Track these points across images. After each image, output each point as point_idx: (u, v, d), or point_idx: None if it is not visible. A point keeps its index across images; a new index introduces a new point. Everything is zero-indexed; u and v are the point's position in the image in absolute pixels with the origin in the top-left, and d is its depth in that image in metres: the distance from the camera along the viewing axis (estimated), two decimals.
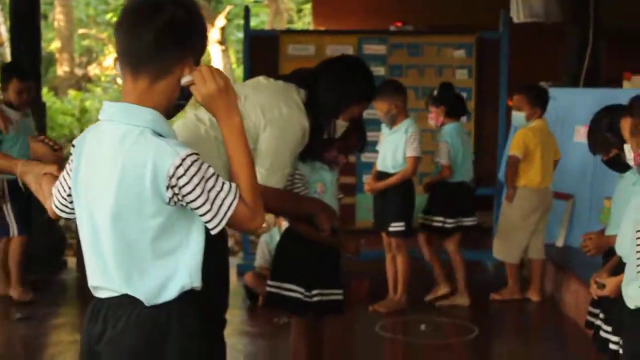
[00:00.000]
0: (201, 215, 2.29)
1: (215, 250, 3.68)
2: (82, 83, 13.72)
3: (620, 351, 3.41)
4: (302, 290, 4.15)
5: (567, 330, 6.04)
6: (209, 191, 2.27)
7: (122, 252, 2.31)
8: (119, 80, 13.21)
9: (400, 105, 6.42)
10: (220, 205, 2.28)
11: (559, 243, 7.69)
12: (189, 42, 2.35)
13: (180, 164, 2.23)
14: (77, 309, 6.98)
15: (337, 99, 3.89)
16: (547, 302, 6.93)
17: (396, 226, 6.47)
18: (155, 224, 2.30)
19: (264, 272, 6.36)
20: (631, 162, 3.43)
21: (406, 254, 6.58)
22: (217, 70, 2.39)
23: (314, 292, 4.16)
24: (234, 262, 7.85)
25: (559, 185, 7.74)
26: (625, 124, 3.46)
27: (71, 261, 8.23)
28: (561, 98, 7.78)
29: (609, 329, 3.76)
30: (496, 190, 8.27)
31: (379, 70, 8.25)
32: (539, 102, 6.85)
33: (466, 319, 6.39)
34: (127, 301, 2.33)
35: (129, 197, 2.27)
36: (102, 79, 13.23)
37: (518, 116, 6.84)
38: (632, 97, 3.13)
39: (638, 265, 2.77)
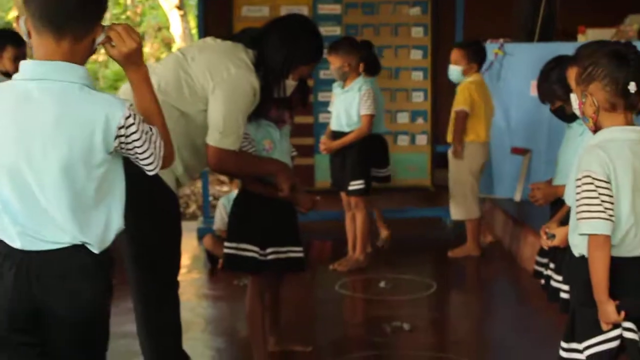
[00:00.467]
0: (144, 159, 2.56)
1: (166, 211, 3.73)
2: None
3: None
4: (256, 249, 4.18)
5: (524, 282, 6.12)
6: (147, 135, 2.54)
7: (73, 203, 2.47)
8: None
9: (353, 64, 6.42)
10: (156, 146, 2.57)
11: (517, 198, 7.78)
12: (105, 3, 2.55)
13: (129, 115, 2.48)
14: None
15: (285, 58, 3.90)
16: (505, 256, 7.03)
17: (355, 184, 6.51)
18: (99, 173, 2.50)
19: (222, 235, 6.38)
20: (577, 112, 3.48)
21: (366, 213, 6.63)
22: (131, 27, 2.60)
23: (269, 250, 4.20)
24: (194, 226, 7.89)
25: (516, 140, 7.85)
26: (572, 74, 3.49)
27: None
28: (517, 53, 7.84)
29: (560, 278, 3.85)
30: None
31: (334, 30, 8.28)
32: (476, 57, 6.90)
33: (425, 275, 6.46)
34: (73, 251, 2.50)
35: (79, 150, 2.45)
36: None
37: (455, 70, 6.89)
38: (578, 47, 3.16)
39: (578, 213, 2.82)
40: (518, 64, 7.81)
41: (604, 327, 2.87)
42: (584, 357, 2.92)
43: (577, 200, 2.86)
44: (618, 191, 2.82)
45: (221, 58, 3.75)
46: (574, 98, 3.45)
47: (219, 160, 3.78)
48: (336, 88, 6.64)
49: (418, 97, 8.42)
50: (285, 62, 3.90)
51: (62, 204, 2.45)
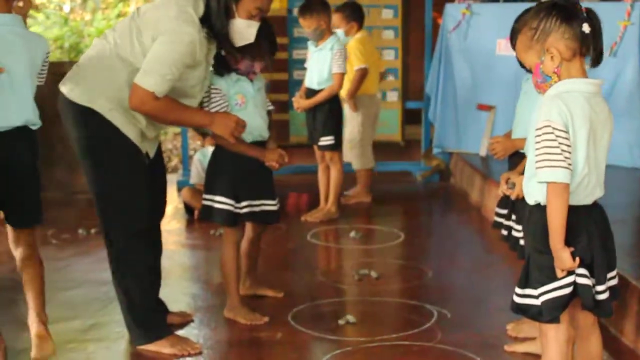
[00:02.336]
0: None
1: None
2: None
3: None
4: (231, 202, 4.42)
5: (489, 232, 6.32)
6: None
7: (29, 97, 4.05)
8: (65, 7, 13.19)
9: (326, 23, 6.65)
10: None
11: (482, 152, 8.04)
12: None
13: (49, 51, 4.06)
14: None
15: None
16: (473, 209, 7.30)
17: (325, 140, 6.77)
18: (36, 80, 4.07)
19: (200, 188, 6.62)
20: (535, 81, 3.73)
21: (339, 166, 6.90)
22: None
23: (243, 203, 4.45)
24: (175, 179, 8.12)
25: (482, 97, 8.10)
26: (520, 44, 3.64)
27: None
28: (484, 13, 8.07)
29: (520, 228, 3.99)
30: (425, 104, 8.57)
31: None
32: (354, 17, 7.27)
33: (394, 225, 6.73)
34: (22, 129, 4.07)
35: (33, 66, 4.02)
36: (47, 6, 13.20)
37: (339, 33, 7.16)
38: (516, 17, 3.28)
39: (538, 162, 2.88)
40: (484, 23, 8.04)
41: (559, 273, 2.93)
42: (539, 303, 3.00)
43: (537, 149, 2.90)
44: (575, 141, 2.87)
45: (168, 10, 3.84)
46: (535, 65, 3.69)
47: (136, 98, 3.80)
48: (311, 46, 6.87)
49: (389, 55, 8.65)
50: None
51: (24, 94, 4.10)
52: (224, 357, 4.12)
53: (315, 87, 6.77)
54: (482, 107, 8.07)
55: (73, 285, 5.26)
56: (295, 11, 7.40)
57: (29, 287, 4.18)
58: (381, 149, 8.86)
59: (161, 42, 3.77)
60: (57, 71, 8.09)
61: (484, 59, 8.02)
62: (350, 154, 7.45)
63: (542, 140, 2.87)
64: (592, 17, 2.89)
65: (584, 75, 2.94)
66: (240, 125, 4.15)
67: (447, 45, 8.23)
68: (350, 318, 4.52)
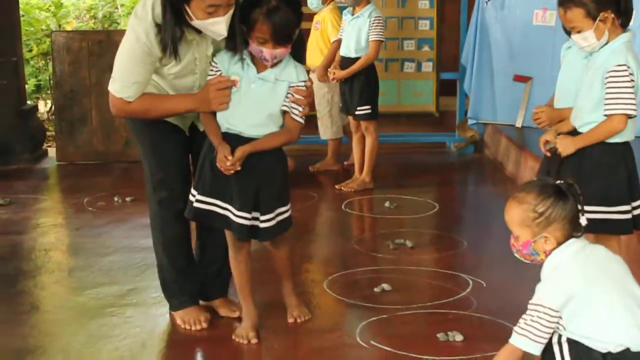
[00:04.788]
0: None
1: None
2: None
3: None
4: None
5: None
6: None
7: None
8: None
9: None
10: None
11: (518, 124, 7.98)
12: None
13: None
14: (58, 195, 7.31)
15: None
16: (507, 181, 7.27)
17: (362, 109, 6.76)
18: None
19: None
20: (584, 48, 3.79)
21: (375, 136, 6.88)
22: None
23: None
24: None
25: (518, 68, 8.02)
26: (575, 15, 3.76)
27: (51, 151, 8.50)
28: None
29: None
30: (460, 75, 8.53)
31: None
32: None
33: (429, 196, 6.72)
34: None
35: None
36: None
37: (314, 0, 7.25)
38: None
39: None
40: None
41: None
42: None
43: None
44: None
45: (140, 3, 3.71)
46: (579, 37, 3.72)
47: (112, 106, 3.76)
48: (346, 15, 6.87)
49: (424, 26, 8.58)
50: None
51: None
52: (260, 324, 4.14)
53: (352, 55, 6.75)
54: (519, 79, 8.00)
55: (110, 251, 5.31)
56: None
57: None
58: (415, 119, 8.87)
59: (122, 42, 3.71)
60: (91, 38, 8.18)
61: (521, 29, 7.94)
62: (319, 123, 7.51)
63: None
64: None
65: None
66: (221, 85, 3.69)
67: (483, 15, 8.15)
68: (386, 286, 4.53)
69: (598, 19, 3.70)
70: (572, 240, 2.88)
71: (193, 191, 3.81)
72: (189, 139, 4.01)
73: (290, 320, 4.09)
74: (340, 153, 7.64)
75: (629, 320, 2.81)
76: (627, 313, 2.81)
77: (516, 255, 3.00)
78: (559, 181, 2.89)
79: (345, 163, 7.65)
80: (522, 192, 2.94)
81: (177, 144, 3.97)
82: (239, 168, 3.65)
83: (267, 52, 3.61)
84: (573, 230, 2.88)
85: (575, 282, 2.82)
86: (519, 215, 2.92)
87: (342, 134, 7.59)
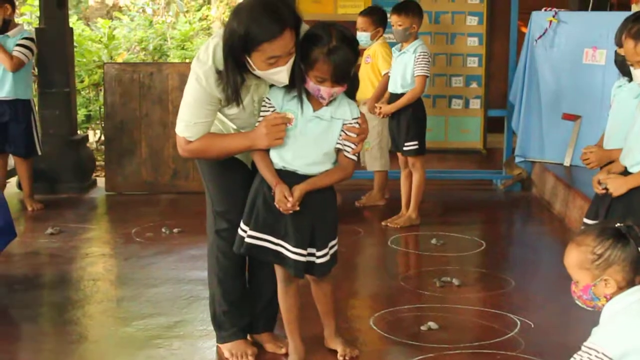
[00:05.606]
0: None
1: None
2: (111, 12, 14.03)
3: None
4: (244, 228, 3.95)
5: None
6: None
7: None
8: (148, 9, 13.45)
9: (417, 26, 6.74)
10: None
11: (567, 162, 7.93)
12: None
13: None
14: (106, 224, 7.38)
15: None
16: (554, 218, 7.22)
17: (410, 145, 6.76)
18: None
19: None
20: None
21: (422, 172, 6.88)
22: None
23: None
24: None
25: (567, 106, 7.99)
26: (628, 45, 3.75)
27: (100, 181, 8.60)
28: (571, 22, 7.96)
29: None
30: (507, 112, 8.51)
31: None
32: (380, 23, 7.31)
33: (475, 234, 6.69)
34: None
35: None
36: (131, 8, 13.50)
37: (363, 36, 7.23)
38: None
39: None
40: (572, 32, 7.92)
41: None
42: None
43: None
44: None
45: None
46: (636, 74, 3.70)
47: (177, 145, 3.85)
48: (395, 51, 6.91)
49: (473, 63, 8.57)
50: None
51: None
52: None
53: (399, 90, 6.78)
54: (568, 117, 7.96)
55: (157, 282, 5.33)
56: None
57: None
58: (462, 156, 8.84)
59: (187, 84, 3.78)
60: (142, 70, 8.28)
61: (570, 67, 7.91)
62: (367, 155, 7.52)
63: None
64: None
65: None
66: (279, 120, 3.67)
67: (532, 53, 8.13)
68: (432, 325, 4.50)
69: None
70: (637, 287, 2.85)
71: (243, 226, 3.81)
72: (252, 173, 4.03)
73: (340, 358, 4.06)
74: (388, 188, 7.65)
75: None
76: None
77: (577, 302, 2.97)
78: (619, 224, 2.86)
79: (357, 204, 7.64)
80: (582, 235, 2.93)
81: (239, 177, 4.00)
82: (297, 208, 3.65)
83: (324, 90, 3.61)
84: (635, 274, 2.84)
85: (635, 335, 2.77)
86: (577, 258, 2.89)
87: (389, 167, 7.61)
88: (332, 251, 3.85)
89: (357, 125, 3.75)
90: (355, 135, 3.75)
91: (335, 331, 4.13)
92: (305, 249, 3.74)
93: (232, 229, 3.94)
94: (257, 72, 3.60)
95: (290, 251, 3.73)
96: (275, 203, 3.67)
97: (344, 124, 3.73)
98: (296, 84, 3.66)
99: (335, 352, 4.11)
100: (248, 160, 3.98)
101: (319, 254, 3.78)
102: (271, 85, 3.77)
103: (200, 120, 3.72)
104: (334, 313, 4.14)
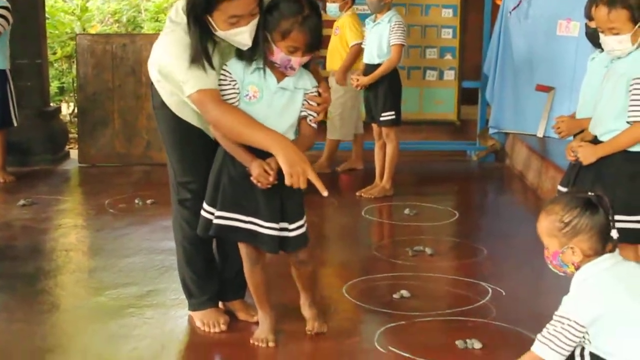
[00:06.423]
0: None
1: None
2: None
3: None
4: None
5: None
6: None
7: None
8: None
9: None
10: None
11: (540, 134, 7.97)
12: None
13: None
14: (79, 196, 7.37)
15: None
16: (528, 190, 7.26)
17: (386, 116, 6.77)
18: None
19: None
20: (609, 53, 3.77)
21: (396, 143, 6.89)
22: None
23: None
24: None
25: (541, 78, 8.01)
26: (598, 13, 3.76)
27: (73, 153, 8.56)
28: None
29: None
30: (481, 84, 8.52)
31: None
32: None
33: (449, 204, 6.71)
34: None
35: None
36: None
37: (332, 7, 7.37)
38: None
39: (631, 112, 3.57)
40: (546, 3, 7.95)
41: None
42: None
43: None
44: None
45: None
46: (613, 40, 3.71)
47: (202, 109, 3.65)
48: (368, 23, 6.90)
49: (447, 34, 8.57)
50: None
51: None
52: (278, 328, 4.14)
53: (375, 61, 6.77)
54: (541, 88, 7.98)
55: (130, 253, 5.32)
56: None
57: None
58: (436, 128, 8.86)
59: (164, 51, 3.73)
60: (115, 42, 8.23)
61: (544, 39, 7.94)
62: (328, 123, 7.58)
63: None
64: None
65: None
66: (302, 179, 3.51)
67: (506, 24, 8.15)
68: (405, 293, 4.52)
69: (638, 24, 3.69)
70: (606, 256, 2.87)
71: (208, 208, 3.75)
72: (214, 143, 4.00)
73: (308, 332, 4.02)
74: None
75: None
76: None
77: (550, 267, 2.99)
78: (590, 193, 2.88)
79: (337, 169, 7.81)
80: (552, 203, 2.95)
81: (201, 147, 3.96)
82: (276, 181, 3.56)
83: (295, 60, 3.56)
84: (603, 243, 2.87)
85: (603, 302, 2.81)
86: (547, 226, 2.92)
87: (350, 139, 7.71)
88: (303, 228, 3.78)
89: (317, 94, 3.73)
90: (316, 105, 3.73)
91: (311, 302, 4.09)
92: (278, 223, 3.67)
93: (195, 199, 3.92)
94: (219, 33, 3.55)
95: (264, 226, 3.66)
96: (253, 179, 3.56)
97: (305, 94, 3.70)
98: (257, 56, 3.60)
99: (299, 326, 4.08)
100: (210, 131, 3.94)
101: (291, 227, 3.71)
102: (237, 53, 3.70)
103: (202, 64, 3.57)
104: (311, 289, 4.08)
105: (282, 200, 3.68)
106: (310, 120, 3.74)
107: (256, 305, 3.99)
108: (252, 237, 3.72)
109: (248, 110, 3.60)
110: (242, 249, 3.84)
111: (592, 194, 2.88)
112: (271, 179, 3.53)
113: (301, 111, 3.71)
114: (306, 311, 4.09)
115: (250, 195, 3.66)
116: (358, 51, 7.22)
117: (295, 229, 3.73)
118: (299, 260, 3.87)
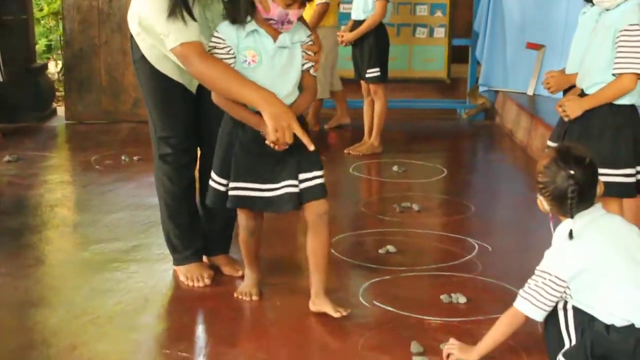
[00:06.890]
0: None
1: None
2: None
3: None
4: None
5: (534, 170, 6.31)
6: None
7: None
8: None
9: None
10: None
11: (530, 92, 7.94)
12: None
13: None
14: (66, 152, 7.32)
15: None
16: (518, 148, 7.23)
17: (372, 72, 6.71)
18: None
19: None
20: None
21: (384, 100, 6.85)
22: None
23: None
24: None
25: (531, 36, 7.96)
26: None
27: (60, 110, 8.50)
28: None
29: None
30: (471, 42, 8.47)
31: None
32: None
33: (437, 161, 6.69)
34: None
35: None
36: None
37: None
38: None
39: (626, 54, 3.56)
40: None
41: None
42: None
43: (626, 45, 3.60)
44: None
45: None
46: None
47: (185, 62, 3.55)
48: None
49: None
50: None
51: None
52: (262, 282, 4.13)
53: (361, 17, 6.71)
54: (532, 46, 7.94)
55: (116, 209, 5.30)
56: None
57: None
58: (426, 85, 8.81)
59: (142, 7, 3.70)
60: None
61: None
62: None
63: (634, 37, 3.59)
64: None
65: None
66: (288, 133, 3.43)
67: None
68: (391, 248, 4.51)
69: None
70: (589, 209, 2.92)
71: (220, 179, 3.63)
72: (196, 98, 3.97)
73: (337, 315, 3.68)
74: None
75: (637, 298, 2.80)
76: (636, 290, 2.81)
77: None
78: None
79: (325, 127, 7.81)
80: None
81: (182, 102, 3.92)
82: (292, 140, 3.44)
83: (293, 13, 3.44)
84: (580, 203, 2.90)
85: (584, 256, 2.84)
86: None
87: (326, 97, 7.68)
88: (321, 179, 3.62)
89: (312, 42, 3.64)
90: (313, 54, 3.64)
91: (325, 290, 3.75)
92: (296, 178, 3.54)
93: (176, 154, 3.91)
94: None
95: (283, 186, 3.54)
96: (269, 142, 3.43)
97: (301, 45, 3.61)
98: (242, 15, 3.46)
99: (284, 280, 4.09)
100: (192, 85, 3.91)
101: (310, 176, 3.56)
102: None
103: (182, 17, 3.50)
104: (325, 267, 3.76)
105: (296, 156, 3.55)
106: (311, 71, 3.64)
107: (244, 263, 3.97)
108: (270, 205, 3.61)
109: (249, 76, 3.47)
110: (242, 220, 3.80)
111: (571, 171, 2.90)
112: (288, 139, 3.42)
113: (302, 64, 3.61)
114: (319, 303, 3.74)
115: (266, 159, 3.55)
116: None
117: (313, 179, 3.58)
118: (318, 213, 3.63)
